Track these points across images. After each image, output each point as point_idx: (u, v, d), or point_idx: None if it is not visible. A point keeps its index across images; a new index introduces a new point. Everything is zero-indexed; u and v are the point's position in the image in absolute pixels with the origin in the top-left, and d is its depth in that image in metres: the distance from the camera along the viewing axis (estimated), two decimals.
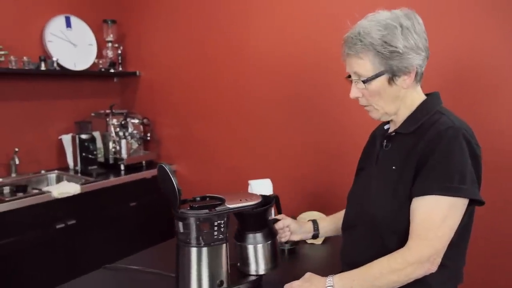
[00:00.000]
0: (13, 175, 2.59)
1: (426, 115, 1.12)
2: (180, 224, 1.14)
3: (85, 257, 2.44)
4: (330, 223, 1.45)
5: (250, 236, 1.22)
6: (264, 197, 1.26)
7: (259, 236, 1.23)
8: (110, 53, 3.03)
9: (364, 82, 1.12)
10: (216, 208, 1.14)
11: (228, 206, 1.15)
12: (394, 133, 1.18)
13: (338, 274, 1.10)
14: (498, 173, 1.75)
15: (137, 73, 3.12)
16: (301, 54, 2.34)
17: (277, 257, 1.28)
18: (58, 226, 2.32)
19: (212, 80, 2.76)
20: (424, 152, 1.05)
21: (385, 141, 1.20)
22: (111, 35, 3.02)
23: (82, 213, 2.45)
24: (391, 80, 1.11)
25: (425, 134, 1.07)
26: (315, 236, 1.44)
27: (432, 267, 1.02)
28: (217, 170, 2.78)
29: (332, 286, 1.06)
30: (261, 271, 1.24)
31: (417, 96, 1.17)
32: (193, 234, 1.13)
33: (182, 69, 2.90)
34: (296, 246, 1.57)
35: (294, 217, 1.55)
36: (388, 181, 1.12)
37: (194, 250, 1.14)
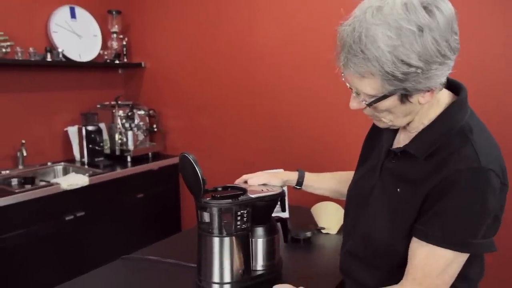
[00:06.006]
0: (20, 167, 2.57)
1: (445, 136, 0.90)
2: (203, 214, 1.13)
3: (94, 249, 2.45)
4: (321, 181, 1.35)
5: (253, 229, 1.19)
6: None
7: (260, 230, 1.21)
8: (115, 44, 3.01)
9: (368, 105, 0.90)
10: (239, 198, 1.13)
11: (251, 196, 1.15)
12: (403, 150, 0.96)
13: None
14: None
15: (142, 64, 3.10)
16: (309, 45, 2.32)
17: (276, 255, 1.26)
18: (67, 218, 2.32)
19: (219, 71, 2.74)
20: (437, 189, 0.88)
21: (392, 154, 1.00)
22: (116, 26, 2.99)
23: (90, 204, 2.45)
24: (404, 98, 0.87)
25: (442, 167, 0.87)
26: (298, 184, 1.33)
27: None
28: (224, 161, 2.78)
29: None
30: (259, 267, 1.22)
31: (436, 105, 0.93)
32: (216, 224, 1.13)
33: (188, 60, 2.88)
34: (311, 235, 1.58)
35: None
36: (388, 203, 0.97)
37: (216, 240, 1.14)
